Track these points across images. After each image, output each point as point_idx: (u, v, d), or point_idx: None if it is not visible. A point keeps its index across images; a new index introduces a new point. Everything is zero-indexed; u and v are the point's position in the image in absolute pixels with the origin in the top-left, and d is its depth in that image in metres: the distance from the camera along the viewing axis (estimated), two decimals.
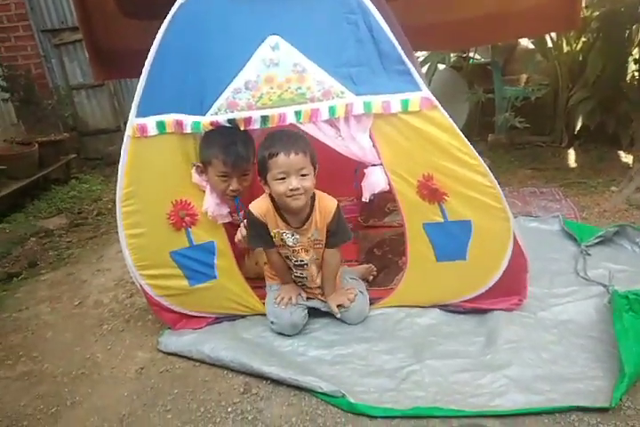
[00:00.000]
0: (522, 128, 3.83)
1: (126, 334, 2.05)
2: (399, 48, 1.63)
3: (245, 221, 1.87)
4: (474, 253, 1.84)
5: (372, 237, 2.59)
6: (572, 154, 3.80)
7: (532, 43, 4.11)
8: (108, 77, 3.29)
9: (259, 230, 1.82)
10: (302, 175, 1.67)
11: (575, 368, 1.60)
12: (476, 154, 1.71)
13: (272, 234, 1.83)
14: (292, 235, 1.82)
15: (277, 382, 1.66)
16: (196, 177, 1.80)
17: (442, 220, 1.79)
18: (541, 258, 2.15)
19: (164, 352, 1.89)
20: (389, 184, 1.77)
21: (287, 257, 1.88)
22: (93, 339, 2.05)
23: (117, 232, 1.88)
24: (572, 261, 2.22)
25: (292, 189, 1.66)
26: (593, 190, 3.02)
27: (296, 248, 1.84)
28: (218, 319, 2.01)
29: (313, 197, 1.79)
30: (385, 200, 2.78)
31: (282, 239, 1.83)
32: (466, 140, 1.70)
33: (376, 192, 1.77)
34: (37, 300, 2.44)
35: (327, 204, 1.80)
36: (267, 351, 1.81)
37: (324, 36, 1.66)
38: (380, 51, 1.64)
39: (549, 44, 3.89)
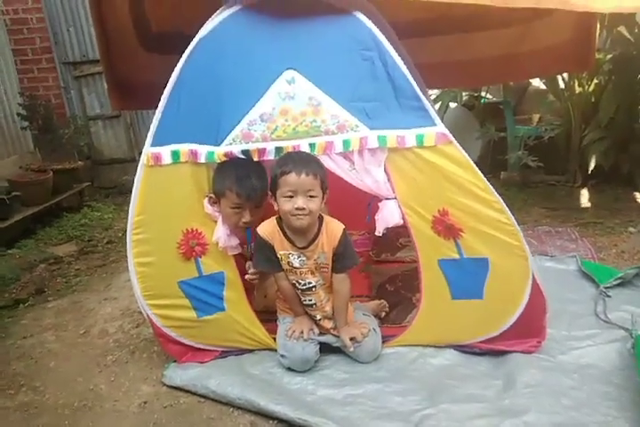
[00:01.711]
0: (535, 167, 3.83)
1: (131, 366, 2.00)
2: (414, 84, 1.65)
3: (249, 263, 1.89)
4: (491, 291, 1.79)
5: (383, 272, 2.54)
6: (585, 194, 3.77)
7: (544, 83, 4.17)
8: (125, 107, 3.37)
9: (265, 252, 1.81)
10: (310, 196, 1.68)
11: (597, 417, 1.52)
12: (493, 190, 1.69)
13: (279, 256, 1.81)
14: (299, 256, 1.81)
15: (285, 422, 1.60)
16: (208, 208, 1.80)
17: (458, 256, 1.76)
18: (559, 299, 2.09)
19: (169, 386, 1.84)
20: (403, 218, 1.75)
21: (295, 283, 1.85)
22: (97, 370, 2.01)
23: (127, 261, 1.86)
24: (590, 302, 2.15)
25: (297, 208, 1.66)
26: (610, 231, 2.98)
27: (303, 270, 1.82)
28: (224, 353, 1.95)
29: (321, 221, 1.80)
30: (397, 235, 2.76)
31: (288, 262, 1.81)
32: (482, 175, 1.69)
33: (390, 226, 1.75)
34: (43, 327, 2.40)
35: (334, 227, 1.80)
36: (275, 389, 1.75)
37: (339, 71, 1.68)
38: (395, 87, 1.66)
39: (561, 86, 3.94)
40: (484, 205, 1.70)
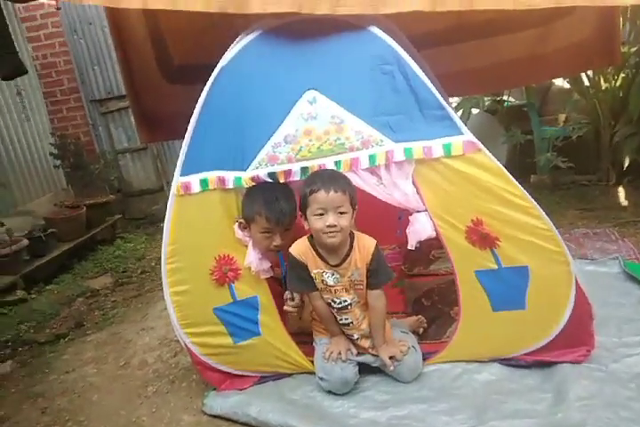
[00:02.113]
0: (565, 168, 3.73)
1: (171, 396, 2.00)
2: (437, 94, 1.63)
3: (287, 293, 1.89)
4: (533, 301, 1.73)
5: (418, 287, 2.48)
6: (621, 192, 3.64)
7: (568, 82, 4.08)
8: (153, 140, 3.44)
9: (299, 272, 1.80)
10: (340, 213, 1.67)
11: None
12: (528, 195, 1.64)
13: (313, 275, 1.79)
14: (333, 274, 1.79)
15: None
16: (238, 233, 1.80)
17: (495, 266, 1.71)
18: (604, 304, 2.00)
19: (210, 415, 1.82)
20: (436, 231, 1.71)
21: (330, 302, 1.83)
22: (139, 401, 2.01)
23: (161, 290, 1.88)
24: (639, 305, 2.05)
25: (328, 226, 1.65)
26: None
27: (337, 288, 1.80)
28: (263, 379, 1.93)
29: (352, 237, 1.78)
30: (429, 247, 2.70)
31: (322, 280, 1.79)
32: (515, 181, 1.64)
33: (423, 239, 1.72)
34: (84, 361, 2.43)
35: (366, 243, 1.78)
36: (316, 413, 1.72)
37: (360, 88, 1.68)
38: (417, 98, 1.64)
39: (586, 83, 3.84)
40: (519, 211, 1.65)
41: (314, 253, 1.78)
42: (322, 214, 1.67)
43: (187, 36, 2.37)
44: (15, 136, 4.28)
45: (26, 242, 3.49)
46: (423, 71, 1.66)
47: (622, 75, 3.67)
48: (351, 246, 1.77)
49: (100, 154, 5.06)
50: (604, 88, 3.73)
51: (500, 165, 1.64)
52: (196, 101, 1.73)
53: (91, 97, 5.12)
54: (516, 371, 1.79)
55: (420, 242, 1.74)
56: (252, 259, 1.80)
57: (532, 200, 1.65)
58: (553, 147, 3.89)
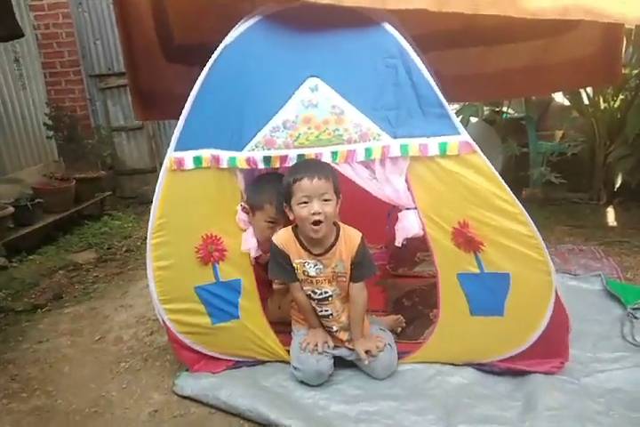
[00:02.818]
0: (557, 184, 3.76)
1: (143, 374, 1.99)
2: (438, 92, 1.63)
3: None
4: (512, 308, 1.74)
5: (400, 287, 2.49)
6: (611, 212, 3.68)
7: (568, 99, 4.11)
8: (148, 118, 3.40)
9: (280, 261, 1.80)
10: (325, 200, 1.67)
11: None
12: (517, 201, 1.64)
13: (294, 265, 1.79)
14: (315, 264, 1.78)
15: None
16: (241, 215, 1.79)
17: (477, 270, 1.71)
18: (583, 319, 2.02)
19: (180, 395, 1.82)
20: (423, 230, 1.71)
21: (310, 293, 1.83)
22: (110, 376, 2.00)
23: (144, 269, 1.86)
24: (616, 323, 2.07)
25: (313, 213, 1.65)
26: (637, 250, 2.88)
27: (319, 278, 1.80)
28: (237, 364, 1.93)
29: (338, 228, 1.78)
30: (415, 249, 2.71)
31: (304, 271, 1.79)
32: (506, 186, 1.64)
33: (410, 236, 1.72)
34: (59, 333, 2.41)
35: (352, 235, 1.78)
36: (286, 402, 1.71)
37: (362, 79, 1.67)
38: (418, 94, 1.63)
39: (585, 101, 3.88)
40: (507, 217, 1.65)
41: (297, 242, 1.78)
42: (306, 202, 1.67)
43: (189, 16, 2.34)
44: (9, 103, 4.22)
45: (11, 209, 3.45)
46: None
47: (621, 96, 3.71)
48: (337, 237, 1.77)
49: (95, 129, 5.01)
50: (602, 108, 3.77)
51: (493, 169, 1.64)
52: (193, 83, 1.71)
53: (90, 72, 5.07)
54: (489, 377, 1.80)
55: (406, 241, 1.74)
56: (250, 246, 1.79)
57: (521, 207, 1.65)
58: (547, 162, 3.92)
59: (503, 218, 1.65)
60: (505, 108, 4.42)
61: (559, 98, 4.49)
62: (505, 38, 2.53)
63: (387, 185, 1.70)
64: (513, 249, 1.67)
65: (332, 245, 1.77)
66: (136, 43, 2.47)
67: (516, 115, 4.46)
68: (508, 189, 1.64)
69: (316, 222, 1.67)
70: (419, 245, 2.69)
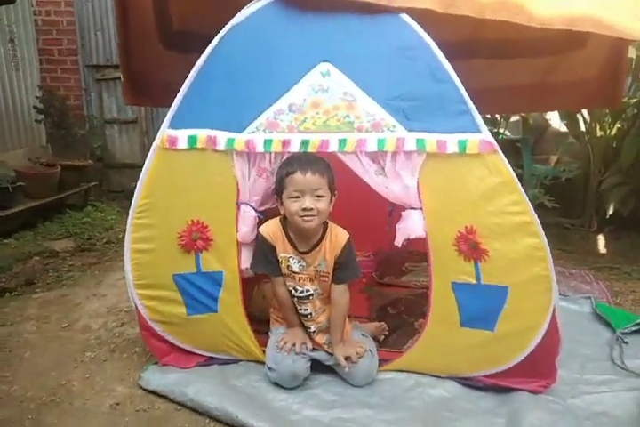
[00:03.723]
0: (550, 207, 3.73)
1: (108, 365, 1.89)
2: (461, 87, 1.57)
3: None
4: (504, 325, 1.66)
5: (386, 295, 2.42)
6: (601, 239, 3.66)
7: (565, 124, 4.13)
8: (138, 103, 3.31)
9: (266, 253, 1.72)
10: (317, 196, 1.61)
11: None
12: (531, 209, 1.56)
13: (279, 259, 1.72)
14: (299, 261, 1.72)
15: None
16: (242, 227, 1.70)
17: (474, 281, 1.63)
18: (571, 340, 1.92)
19: (145, 389, 1.72)
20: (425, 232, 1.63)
21: (292, 291, 1.76)
22: (73, 365, 1.89)
23: (122, 260, 1.78)
24: (605, 347, 2.01)
25: (304, 209, 1.59)
26: (627, 276, 2.85)
27: (302, 275, 1.73)
28: (208, 360, 1.83)
29: (325, 226, 1.72)
30: (404, 259, 2.67)
31: (288, 266, 1.73)
32: (523, 192, 1.57)
33: (411, 237, 1.64)
34: (24, 317, 2.30)
35: (339, 234, 1.72)
36: (257, 404, 1.62)
37: (378, 68, 1.61)
38: (439, 88, 1.57)
39: (582, 128, 3.89)
40: (518, 227, 1.57)
41: (284, 235, 1.72)
42: (298, 197, 1.61)
43: (190, 2, 2.30)
44: (0, 83, 4.13)
45: None
46: None
47: (618, 125, 3.72)
48: (323, 235, 1.72)
49: (88, 119, 4.92)
50: (598, 135, 3.77)
51: (512, 172, 1.57)
52: (188, 71, 1.64)
53: (88, 62, 5.01)
54: (472, 392, 1.73)
55: (407, 240, 1.65)
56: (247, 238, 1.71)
57: (535, 216, 1.57)
58: (541, 185, 3.90)
59: (514, 227, 1.57)
60: (502, 130, 4.43)
61: (556, 123, 4.51)
62: (509, 53, 2.51)
63: (395, 181, 1.62)
64: (517, 261, 1.59)
65: (318, 244, 1.71)
66: (133, 26, 2.40)
67: (512, 136, 4.46)
68: (525, 195, 1.57)
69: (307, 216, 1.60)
70: (407, 256, 2.67)
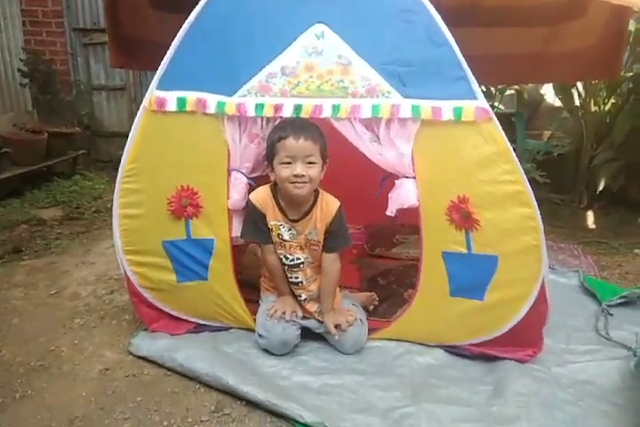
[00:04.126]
0: (541, 182, 3.73)
1: (97, 331, 1.88)
2: (459, 53, 1.52)
3: None
4: (493, 294, 1.67)
5: (376, 266, 2.43)
6: (590, 215, 3.68)
7: (559, 99, 4.09)
8: (124, 65, 3.22)
9: (256, 221, 1.71)
10: (309, 163, 1.59)
11: None
12: (524, 179, 1.55)
13: (270, 226, 1.71)
14: (290, 229, 1.71)
15: (253, 405, 1.49)
16: (234, 194, 1.67)
17: (465, 250, 1.63)
18: (558, 312, 1.93)
19: (135, 355, 1.72)
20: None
21: (282, 259, 1.75)
22: (62, 331, 1.89)
23: (110, 229, 1.75)
24: (591, 318, 2.04)
25: (295, 175, 1.57)
26: (614, 251, 2.88)
27: (292, 244, 1.72)
28: (198, 327, 1.84)
29: (317, 194, 1.70)
30: (394, 231, 2.67)
31: (278, 234, 1.72)
32: (517, 162, 1.54)
33: (405, 207, 1.62)
34: (12, 284, 2.28)
35: (330, 202, 1.71)
36: (247, 369, 1.63)
37: (374, 32, 1.56)
38: (436, 52, 1.53)
39: (577, 103, 3.86)
40: (511, 196, 1.56)
41: (274, 203, 1.70)
42: (289, 163, 1.58)
43: None
44: None
45: None
46: None
47: (613, 100, 3.69)
48: (314, 203, 1.70)
49: (74, 84, 4.78)
50: (592, 110, 3.75)
51: (507, 141, 1.54)
52: (177, 32, 1.58)
53: (74, 25, 4.82)
54: (459, 360, 1.75)
55: (399, 211, 1.64)
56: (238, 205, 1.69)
57: (528, 186, 1.56)
58: (533, 160, 3.89)
59: (507, 197, 1.56)
60: (496, 103, 4.38)
61: (550, 98, 4.48)
62: (509, 21, 2.45)
63: (390, 149, 1.59)
64: (508, 231, 1.59)
65: (309, 212, 1.70)
66: None
67: (506, 110, 4.42)
68: (519, 164, 1.55)
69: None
70: (398, 228, 2.67)
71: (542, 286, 1.64)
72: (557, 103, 4.23)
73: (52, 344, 1.79)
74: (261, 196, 1.70)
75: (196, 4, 1.59)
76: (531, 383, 1.59)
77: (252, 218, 1.71)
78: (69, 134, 4.25)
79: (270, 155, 1.62)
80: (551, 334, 1.80)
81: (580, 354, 1.79)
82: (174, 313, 1.82)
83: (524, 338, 1.71)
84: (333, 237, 1.72)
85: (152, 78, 1.63)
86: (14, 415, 1.44)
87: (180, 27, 1.59)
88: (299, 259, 1.74)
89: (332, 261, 1.75)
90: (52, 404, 1.48)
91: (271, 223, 1.71)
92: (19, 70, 4.19)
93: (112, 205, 1.72)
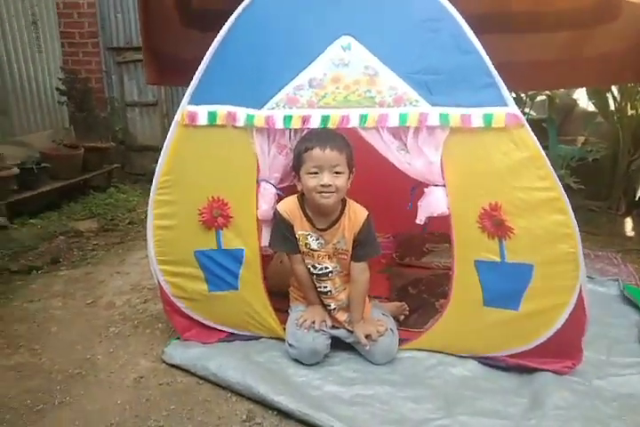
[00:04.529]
0: (576, 189, 3.64)
1: (132, 340, 1.92)
2: (487, 59, 1.51)
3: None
4: (529, 304, 1.62)
5: (406, 275, 2.40)
6: (629, 222, 3.56)
7: (593, 104, 3.99)
8: (159, 82, 3.32)
9: (283, 231, 1.72)
10: (336, 173, 1.59)
11: None
12: (559, 185, 1.52)
13: (297, 236, 1.71)
14: (317, 238, 1.71)
15: (284, 415, 1.49)
16: (262, 204, 1.69)
17: (498, 259, 1.60)
18: (598, 322, 1.88)
19: (168, 364, 1.74)
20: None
21: (310, 268, 1.75)
22: (98, 340, 1.93)
23: (144, 240, 1.79)
24: (633, 329, 1.97)
25: (322, 185, 1.57)
26: None
27: (320, 253, 1.72)
28: (230, 337, 1.85)
29: (344, 203, 1.70)
30: (424, 240, 2.63)
31: (306, 243, 1.72)
32: (551, 168, 1.51)
33: (435, 215, 1.60)
34: (51, 293, 2.35)
35: (358, 212, 1.71)
36: (278, 379, 1.63)
37: (400, 41, 1.57)
38: (464, 60, 1.52)
39: (612, 107, 3.75)
40: (545, 203, 1.53)
41: (302, 213, 1.71)
42: (316, 173, 1.59)
43: None
44: (24, 65, 4.17)
45: (16, 170, 3.39)
46: None
47: None
48: (342, 212, 1.70)
49: (109, 101, 4.94)
50: (629, 114, 3.64)
51: (540, 147, 1.51)
52: (206, 50, 1.62)
53: (109, 44, 4.99)
54: (494, 371, 1.71)
55: (428, 219, 1.62)
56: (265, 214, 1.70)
57: (563, 192, 1.52)
58: (567, 166, 3.80)
59: (541, 203, 1.53)
60: (527, 109, 4.31)
61: (583, 103, 4.37)
62: (538, 27, 2.42)
63: (418, 157, 1.58)
64: (543, 238, 1.55)
65: (336, 221, 1.70)
66: (153, 6, 2.39)
67: (538, 116, 4.34)
68: (552, 170, 1.52)
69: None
70: (428, 237, 2.64)
71: (580, 295, 1.59)
72: (591, 108, 4.13)
73: (88, 352, 1.84)
74: (289, 206, 1.72)
75: (225, 21, 1.63)
76: (570, 396, 1.54)
77: (280, 228, 1.72)
78: (104, 149, 4.38)
79: (297, 165, 1.63)
80: (590, 346, 1.73)
81: (622, 367, 1.72)
82: (206, 322, 1.84)
83: (562, 349, 1.66)
84: (362, 246, 1.72)
85: (183, 94, 1.68)
86: (53, 421, 1.48)
87: (210, 44, 1.63)
88: (327, 268, 1.74)
89: (360, 271, 1.74)
90: (88, 411, 1.52)
91: (299, 233, 1.72)
92: (57, 89, 4.36)
93: (145, 217, 1.77)
